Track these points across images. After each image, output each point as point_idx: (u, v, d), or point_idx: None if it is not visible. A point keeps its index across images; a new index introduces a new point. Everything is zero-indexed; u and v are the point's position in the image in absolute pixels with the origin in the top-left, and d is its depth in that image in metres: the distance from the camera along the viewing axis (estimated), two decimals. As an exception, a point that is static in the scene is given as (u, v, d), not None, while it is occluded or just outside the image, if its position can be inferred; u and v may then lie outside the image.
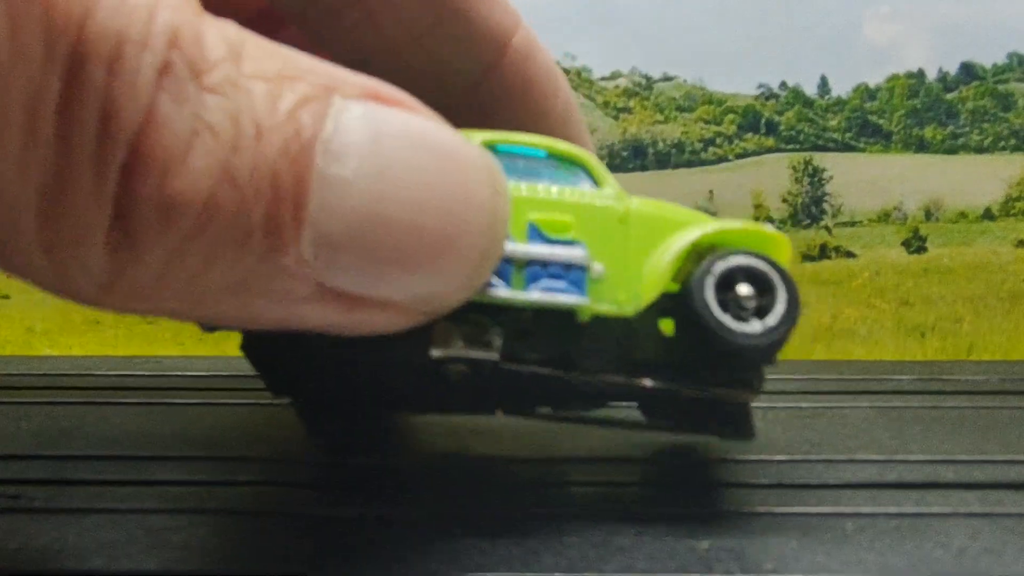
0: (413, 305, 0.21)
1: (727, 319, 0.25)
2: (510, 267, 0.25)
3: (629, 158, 0.58)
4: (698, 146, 0.58)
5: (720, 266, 0.26)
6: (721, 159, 0.58)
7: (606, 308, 0.26)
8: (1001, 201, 0.56)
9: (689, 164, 0.58)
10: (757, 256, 0.26)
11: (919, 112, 0.57)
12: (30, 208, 0.16)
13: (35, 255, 0.17)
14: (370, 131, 0.19)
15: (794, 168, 0.57)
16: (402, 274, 0.20)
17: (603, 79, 0.58)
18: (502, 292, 0.25)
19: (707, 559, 0.25)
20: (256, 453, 0.33)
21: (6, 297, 0.55)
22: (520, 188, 0.26)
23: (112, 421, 0.38)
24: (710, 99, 0.58)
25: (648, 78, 0.58)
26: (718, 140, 0.58)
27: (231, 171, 0.17)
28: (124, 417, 0.39)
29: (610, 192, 0.27)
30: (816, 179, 0.57)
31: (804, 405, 0.40)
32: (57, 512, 0.28)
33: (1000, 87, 0.56)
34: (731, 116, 0.58)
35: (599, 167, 0.27)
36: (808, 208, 0.57)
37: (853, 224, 0.57)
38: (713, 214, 0.58)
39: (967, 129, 0.56)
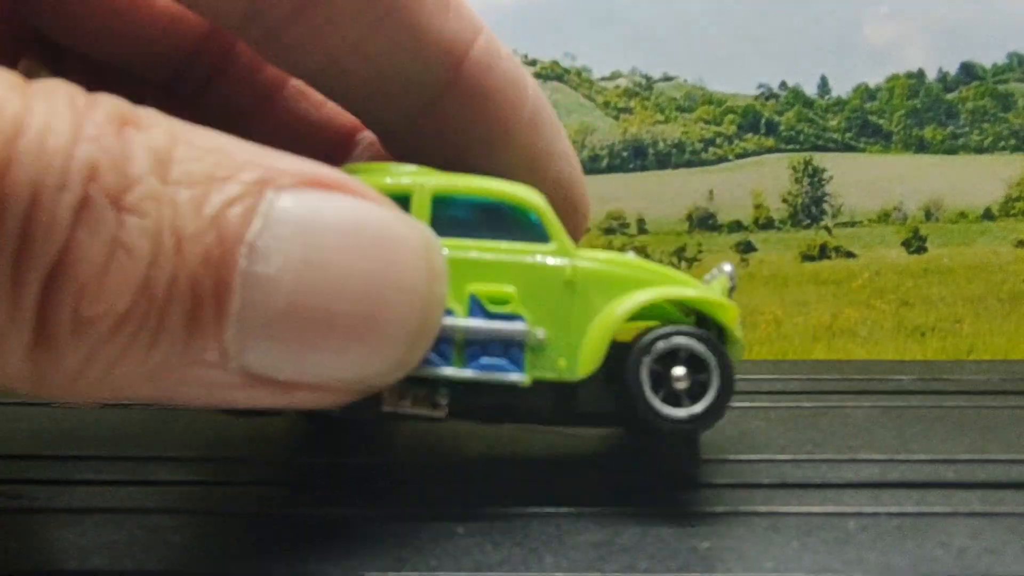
0: (344, 387, 0.21)
1: (657, 402, 0.26)
2: (451, 342, 0.26)
3: (629, 158, 0.58)
4: (698, 146, 0.58)
5: (659, 347, 0.26)
6: (721, 159, 0.58)
7: (547, 373, 0.27)
8: (1001, 201, 0.56)
9: (689, 164, 0.58)
10: (699, 338, 0.26)
11: (919, 112, 0.57)
12: None
13: None
14: (299, 223, 0.20)
15: (794, 168, 0.57)
16: (330, 360, 0.20)
17: (603, 79, 0.58)
18: (441, 369, 0.26)
19: (708, 558, 0.25)
20: (256, 454, 0.33)
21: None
22: (465, 251, 0.26)
23: (113, 422, 0.38)
24: (710, 99, 0.58)
25: (648, 78, 0.58)
26: (718, 140, 0.58)
27: (148, 285, 0.18)
28: (125, 418, 0.39)
29: (557, 248, 0.27)
30: (816, 179, 0.57)
31: (805, 405, 0.40)
32: (58, 512, 0.28)
33: (1000, 87, 0.56)
34: (731, 116, 0.58)
35: (550, 216, 0.27)
36: (808, 208, 0.57)
37: (853, 224, 0.57)
38: (713, 214, 0.59)
39: (967, 129, 0.56)
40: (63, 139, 0.17)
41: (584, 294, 0.26)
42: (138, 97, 0.33)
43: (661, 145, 0.59)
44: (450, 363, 0.26)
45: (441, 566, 0.24)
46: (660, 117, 0.59)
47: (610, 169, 0.58)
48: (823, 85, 0.58)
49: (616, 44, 0.58)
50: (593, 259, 0.27)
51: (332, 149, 0.34)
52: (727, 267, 0.30)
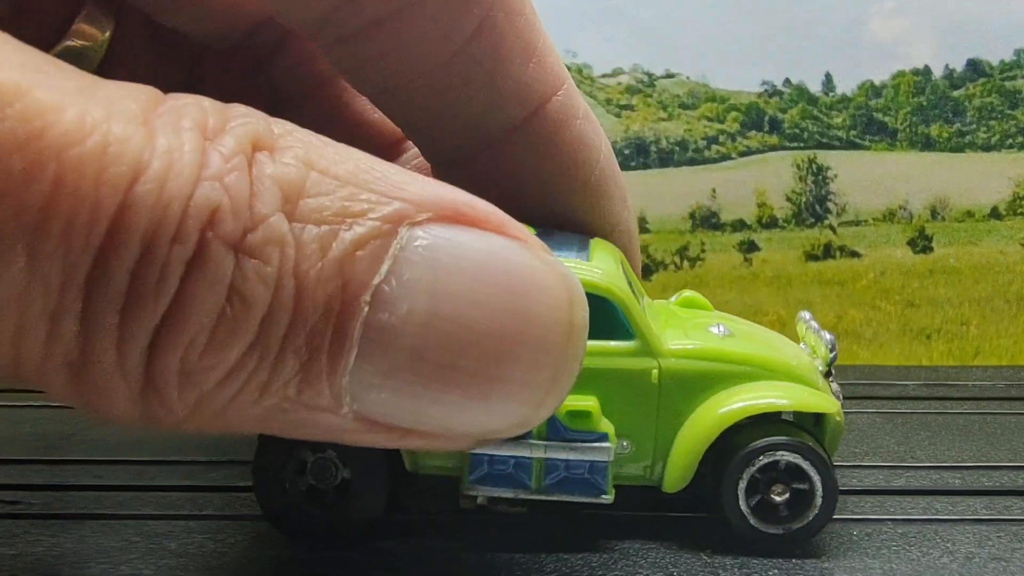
0: (461, 438, 0.20)
1: (754, 519, 0.25)
2: (530, 462, 0.25)
3: (631, 156, 0.58)
4: (701, 144, 0.58)
5: (759, 463, 0.25)
6: (724, 157, 0.58)
7: (633, 481, 0.26)
8: (1008, 200, 0.55)
9: (692, 162, 0.58)
10: (802, 450, 0.25)
11: (925, 109, 0.56)
12: (59, 375, 0.16)
13: (69, 400, 0.17)
14: (431, 266, 0.18)
15: (798, 166, 0.57)
16: (449, 413, 0.19)
17: (605, 76, 0.58)
18: (520, 492, 0.25)
19: (711, 566, 0.25)
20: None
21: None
22: None
23: (110, 426, 0.38)
24: (713, 96, 0.57)
25: (650, 75, 0.58)
26: (721, 138, 0.58)
27: (262, 336, 0.17)
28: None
29: (641, 346, 0.25)
30: (820, 177, 0.57)
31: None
32: (55, 518, 0.28)
33: (1007, 84, 0.55)
34: (734, 114, 0.58)
35: (633, 307, 0.25)
36: (812, 207, 0.57)
37: (858, 223, 0.57)
38: (716, 213, 0.58)
39: (974, 127, 0.56)
40: (183, 181, 0.16)
41: (671, 398, 0.25)
42: (196, 63, 0.31)
43: (663, 143, 0.58)
44: (530, 484, 0.25)
45: (441, 572, 0.24)
46: (663, 114, 0.58)
47: (612, 168, 0.58)
48: (828, 82, 0.57)
49: (618, 41, 0.57)
50: (681, 354, 0.25)
51: (377, 151, 0.34)
52: (827, 336, 0.28)
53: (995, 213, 0.56)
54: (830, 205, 0.57)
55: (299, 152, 0.17)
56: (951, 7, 0.56)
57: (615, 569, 0.25)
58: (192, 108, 0.17)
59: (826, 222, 0.57)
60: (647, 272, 0.56)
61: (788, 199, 0.57)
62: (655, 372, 0.25)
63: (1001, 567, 0.25)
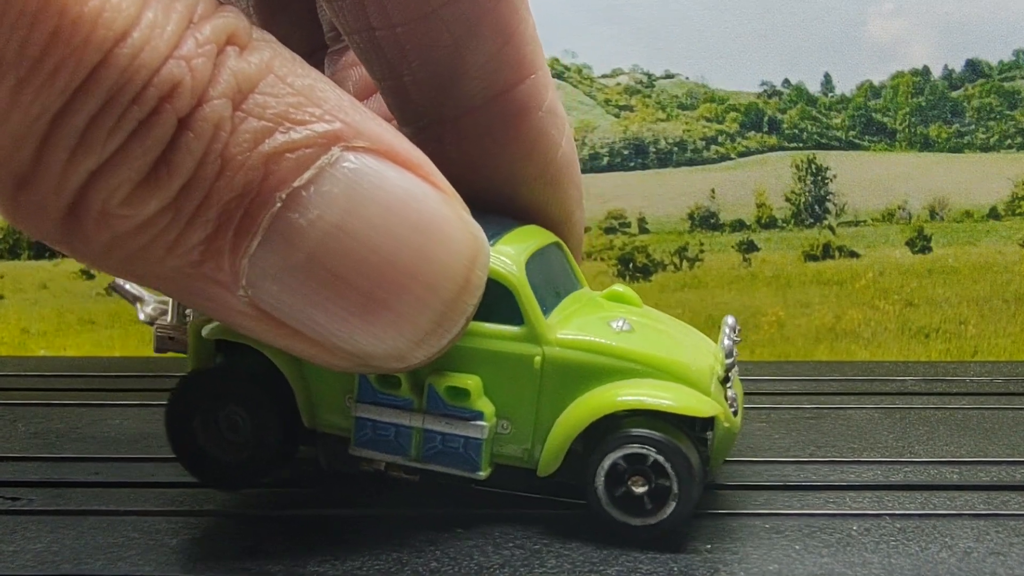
0: (342, 355, 0.21)
1: (614, 511, 0.25)
2: (410, 431, 0.26)
3: (630, 156, 0.58)
4: (700, 144, 0.58)
5: (614, 456, 0.25)
6: (723, 157, 0.58)
7: (508, 460, 0.26)
8: (1007, 200, 0.55)
9: (691, 163, 0.58)
10: (661, 445, 0.25)
11: (924, 110, 0.56)
12: (6, 187, 0.19)
13: (7, 209, 0.19)
14: (351, 186, 0.20)
15: (797, 167, 0.57)
16: (332, 324, 0.20)
17: (604, 76, 0.58)
18: (399, 458, 0.26)
19: (711, 561, 0.25)
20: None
21: (0, 297, 0.55)
22: None
23: (109, 422, 0.38)
24: (712, 97, 0.58)
25: (649, 75, 0.58)
26: (720, 138, 0.58)
27: (177, 202, 0.19)
28: (121, 418, 0.39)
29: (529, 332, 0.26)
30: (819, 178, 0.57)
31: (807, 406, 0.40)
32: (55, 514, 0.28)
33: (1006, 84, 0.56)
34: (733, 114, 0.58)
35: (526, 295, 0.26)
36: (811, 207, 0.57)
37: (857, 223, 0.57)
38: (715, 213, 0.58)
39: (972, 127, 0.56)
40: (156, 55, 0.18)
41: (553, 385, 0.26)
42: None
43: (662, 143, 0.58)
44: (409, 451, 0.26)
45: (441, 568, 0.24)
46: (661, 115, 0.58)
47: (611, 167, 0.58)
48: (827, 82, 0.57)
49: (617, 41, 0.57)
50: (566, 344, 0.26)
51: None
52: (727, 342, 0.28)
53: (994, 213, 0.56)
54: (829, 205, 0.57)
55: (265, 55, 0.19)
56: (950, 8, 0.56)
57: (615, 564, 0.25)
58: None
59: (825, 222, 0.57)
60: (646, 273, 0.56)
61: (787, 199, 0.57)
62: (538, 359, 0.26)
63: (999, 561, 0.25)
